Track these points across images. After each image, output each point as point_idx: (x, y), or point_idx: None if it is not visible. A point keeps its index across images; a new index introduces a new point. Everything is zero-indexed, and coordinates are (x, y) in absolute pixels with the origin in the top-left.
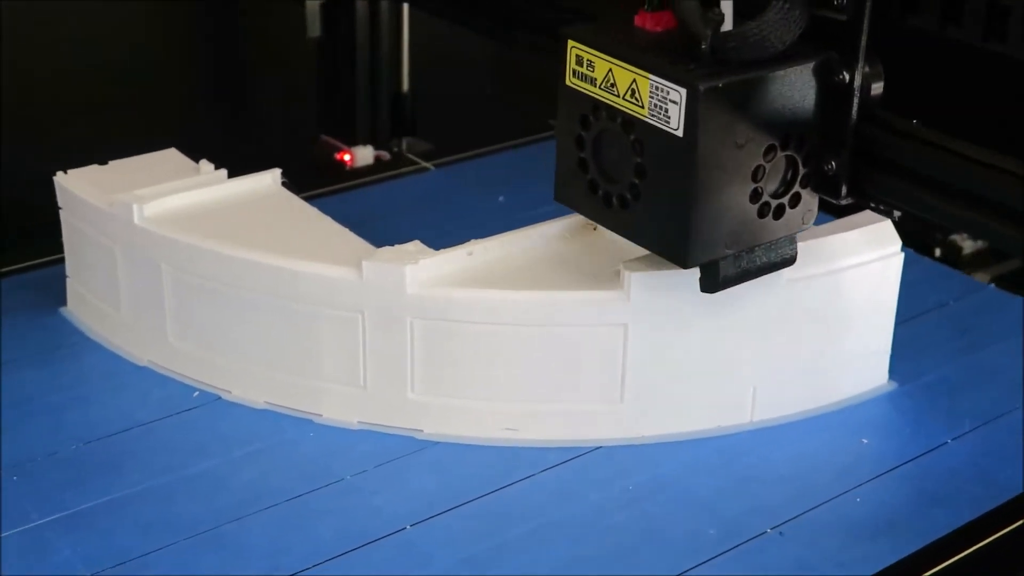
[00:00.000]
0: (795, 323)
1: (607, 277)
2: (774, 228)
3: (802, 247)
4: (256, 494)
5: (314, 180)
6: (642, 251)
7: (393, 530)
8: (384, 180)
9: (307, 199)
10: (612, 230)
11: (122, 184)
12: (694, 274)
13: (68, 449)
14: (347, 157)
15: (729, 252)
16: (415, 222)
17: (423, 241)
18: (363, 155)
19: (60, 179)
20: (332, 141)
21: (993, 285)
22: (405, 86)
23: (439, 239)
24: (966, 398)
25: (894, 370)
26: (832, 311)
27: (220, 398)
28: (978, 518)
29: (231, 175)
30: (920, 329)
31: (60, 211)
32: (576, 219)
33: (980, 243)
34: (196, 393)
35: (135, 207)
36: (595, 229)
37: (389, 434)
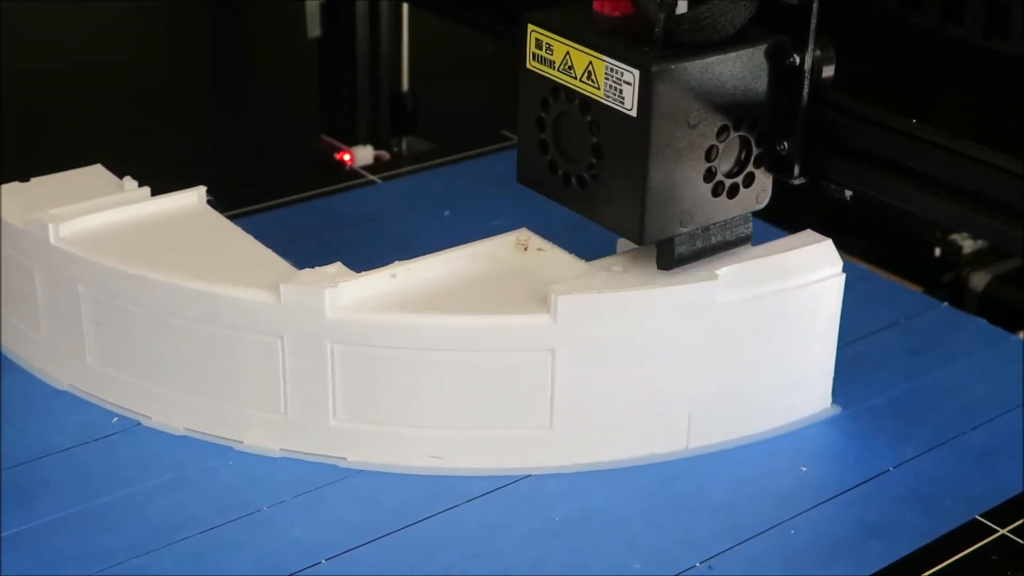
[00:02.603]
0: (732, 346)
1: (535, 300)
2: (728, 207)
3: (740, 268)
4: (171, 525)
5: (314, 180)
6: (571, 273)
7: (309, 564)
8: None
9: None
10: (572, 210)
11: (42, 202)
12: (624, 298)
13: None
14: (347, 157)
15: (684, 230)
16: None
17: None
18: (363, 155)
19: None
20: (332, 141)
21: (947, 304)
22: (405, 86)
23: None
24: (913, 422)
25: (839, 393)
26: (771, 333)
27: (140, 424)
28: (917, 551)
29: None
30: (869, 349)
31: None
32: (506, 240)
33: (980, 242)
34: (115, 419)
35: (51, 226)
36: (526, 250)
37: (311, 462)
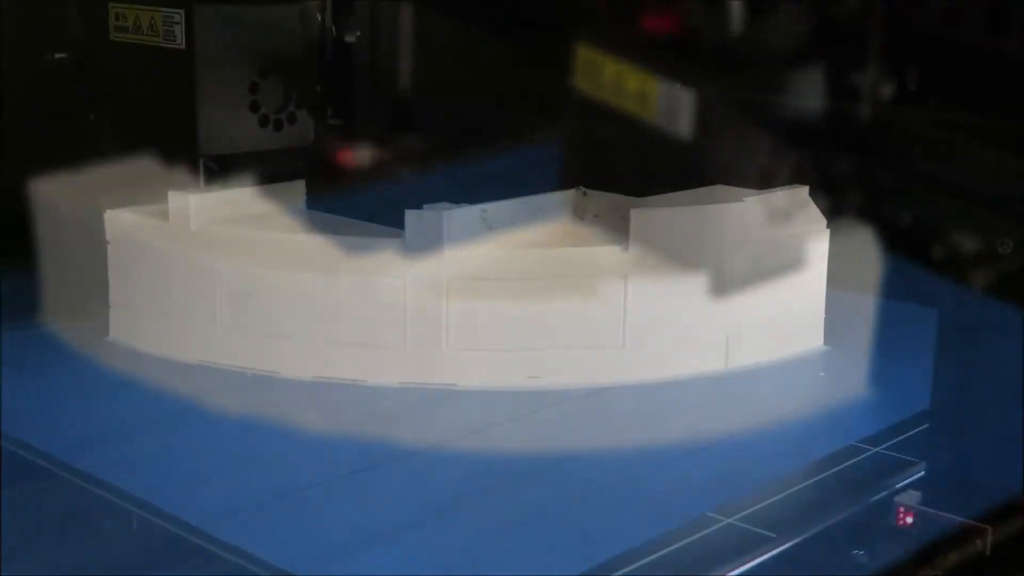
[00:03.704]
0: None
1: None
2: (276, 139)
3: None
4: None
5: (314, 180)
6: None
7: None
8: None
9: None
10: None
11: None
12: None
13: None
14: (347, 157)
15: (232, 151)
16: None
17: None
18: (363, 155)
19: (111, 216)
20: (332, 141)
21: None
22: (405, 86)
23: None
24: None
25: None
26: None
27: (272, 377)
28: None
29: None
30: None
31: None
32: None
33: (979, 244)
34: (250, 375)
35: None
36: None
37: (427, 389)
